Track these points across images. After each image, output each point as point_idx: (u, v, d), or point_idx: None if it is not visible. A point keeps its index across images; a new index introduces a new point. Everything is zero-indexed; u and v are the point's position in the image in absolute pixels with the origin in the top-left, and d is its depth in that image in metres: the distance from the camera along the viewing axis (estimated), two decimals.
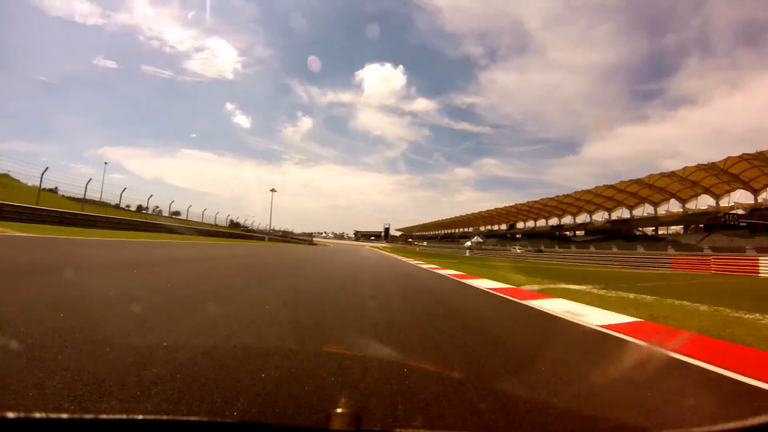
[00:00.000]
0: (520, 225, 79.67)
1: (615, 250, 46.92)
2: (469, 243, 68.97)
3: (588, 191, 54.85)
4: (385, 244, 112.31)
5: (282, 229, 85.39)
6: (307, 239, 79.06)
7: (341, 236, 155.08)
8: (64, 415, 0.52)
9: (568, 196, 58.10)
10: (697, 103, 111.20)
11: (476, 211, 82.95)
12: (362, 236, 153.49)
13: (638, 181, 47.96)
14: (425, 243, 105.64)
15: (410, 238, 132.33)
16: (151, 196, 38.09)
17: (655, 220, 52.76)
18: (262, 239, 42.95)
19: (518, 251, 52.87)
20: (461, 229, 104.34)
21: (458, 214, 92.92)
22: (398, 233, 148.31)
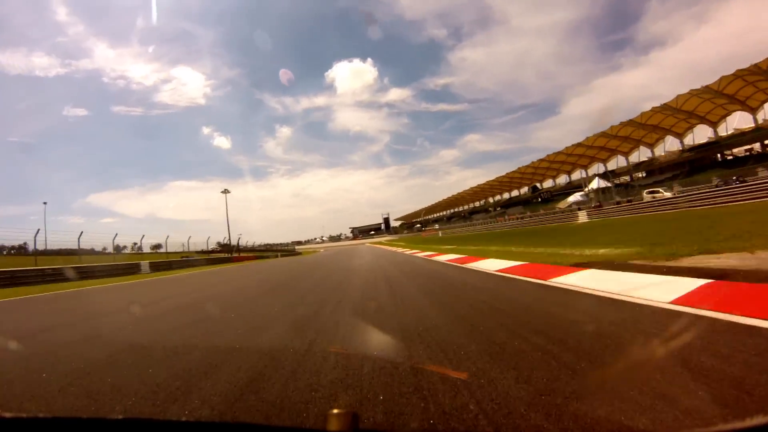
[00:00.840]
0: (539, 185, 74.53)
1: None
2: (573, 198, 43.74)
3: (580, 144, 52.72)
4: (389, 237, 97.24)
5: (265, 243, 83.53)
6: (288, 250, 75.02)
7: (337, 238, 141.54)
8: (64, 416, 0.53)
9: (562, 151, 55.84)
10: (666, 43, 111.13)
11: (482, 182, 77.36)
12: (360, 233, 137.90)
13: (630, 123, 45.68)
14: (437, 226, 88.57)
15: (419, 224, 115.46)
16: (143, 236, 35.30)
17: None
18: (228, 260, 37.89)
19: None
20: (470, 205, 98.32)
21: (462, 191, 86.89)
22: (398, 223, 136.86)
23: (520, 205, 71.36)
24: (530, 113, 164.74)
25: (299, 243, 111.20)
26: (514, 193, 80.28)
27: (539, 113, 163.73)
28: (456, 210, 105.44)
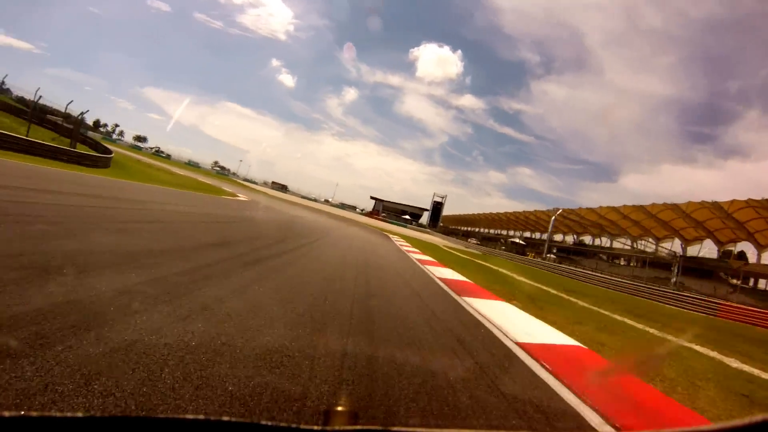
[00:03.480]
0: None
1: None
2: None
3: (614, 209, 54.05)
4: (436, 239, 54.01)
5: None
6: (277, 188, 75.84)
7: (350, 209, 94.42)
8: (64, 415, 0.49)
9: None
10: (749, 157, 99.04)
11: (519, 210, 72.81)
12: (385, 210, 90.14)
13: (640, 208, 47.05)
14: (474, 240, 73.04)
15: (464, 232, 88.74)
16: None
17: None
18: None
19: None
20: (491, 230, 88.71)
21: (510, 211, 75.23)
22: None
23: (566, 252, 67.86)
24: (587, 170, 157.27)
25: (282, 187, 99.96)
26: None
27: (596, 173, 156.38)
28: (470, 229, 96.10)
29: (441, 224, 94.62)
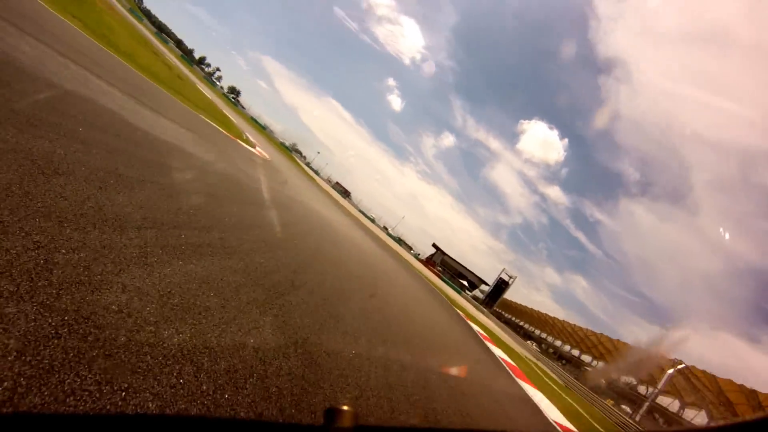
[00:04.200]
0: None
1: None
2: None
3: None
4: (494, 325, 39.36)
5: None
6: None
7: (407, 246, 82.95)
8: (63, 414, 0.57)
9: None
10: None
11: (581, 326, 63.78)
12: (443, 266, 78.52)
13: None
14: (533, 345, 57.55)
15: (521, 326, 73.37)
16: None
17: None
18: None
19: None
20: (536, 330, 74.33)
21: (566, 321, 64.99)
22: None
23: None
24: (643, 306, 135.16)
25: (344, 192, 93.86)
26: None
27: (650, 313, 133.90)
28: (537, 332, 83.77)
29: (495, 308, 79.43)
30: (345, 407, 0.60)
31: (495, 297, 77.93)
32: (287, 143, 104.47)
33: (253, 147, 20.37)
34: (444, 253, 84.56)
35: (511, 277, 78.72)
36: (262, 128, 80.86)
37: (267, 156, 22.27)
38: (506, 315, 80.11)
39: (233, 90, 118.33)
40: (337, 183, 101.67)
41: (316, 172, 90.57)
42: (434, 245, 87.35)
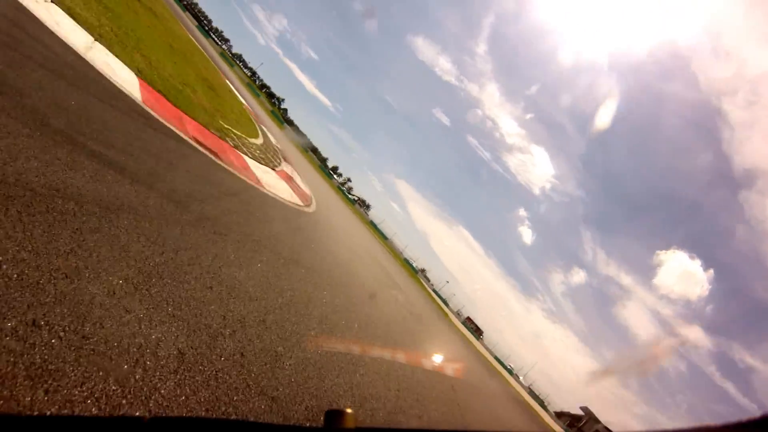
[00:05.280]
0: None
1: None
2: None
3: None
4: None
5: None
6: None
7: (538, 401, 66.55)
8: (63, 415, 0.57)
9: None
10: None
11: None
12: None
13: None
14: None
15: None
16: None
17: None
18: None
19: None
20: None
21: None
22: None
23: None
24: None
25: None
26: None
27: None
28: None
29: None
30: (345, 409, 0.59)
31: None
32: (415, 264, 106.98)
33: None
34: (597, 420, 67.53)
35: None
36: (374, 225, 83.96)
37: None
38: None
39: (363, 202, 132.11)
40: (468, 319, 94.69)
41: (445, 302, 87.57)
42: (583, 408, 69.36)
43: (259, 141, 14.03)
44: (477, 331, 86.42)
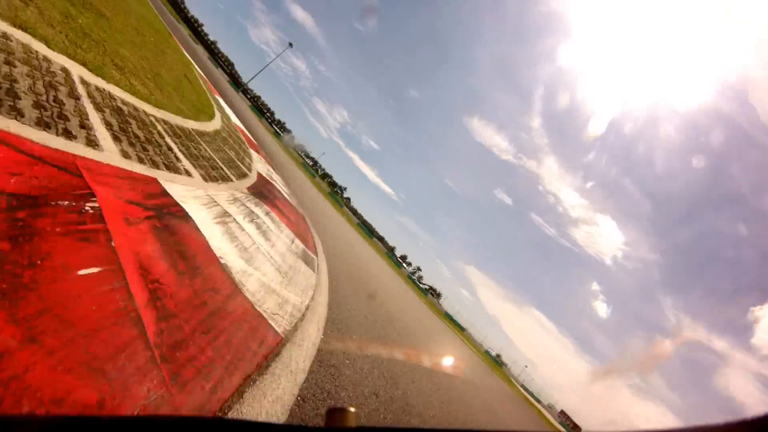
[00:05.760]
0: None
1: None
2: None
3: None
4: None
5: None
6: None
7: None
8: (63, 415, 0.46)
9: None
10: None
11: None
12: None
13: None
14: None
15: None
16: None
17: None
18: None
19: None
20: None
21: None
22: None
23: None
24: None
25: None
26: None
27: None
28: None
29: None
30: (347, 407, 0.59)
31: None
32: (493, 353, 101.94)
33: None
34: None
35: None
36: (452, 319, 79.89)
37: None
38: None
39: (434, 291, 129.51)
40: (563, 412, 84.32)
41: (537, 399, 78.86)
42: None
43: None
44: (575, 429, 77.15)
